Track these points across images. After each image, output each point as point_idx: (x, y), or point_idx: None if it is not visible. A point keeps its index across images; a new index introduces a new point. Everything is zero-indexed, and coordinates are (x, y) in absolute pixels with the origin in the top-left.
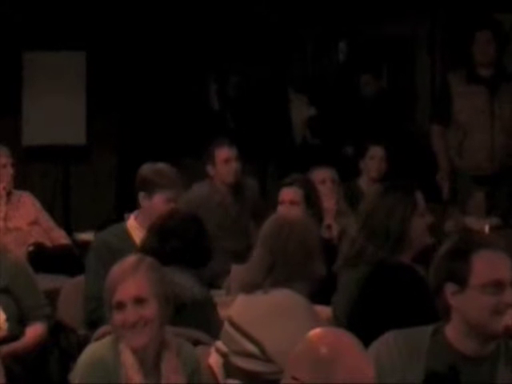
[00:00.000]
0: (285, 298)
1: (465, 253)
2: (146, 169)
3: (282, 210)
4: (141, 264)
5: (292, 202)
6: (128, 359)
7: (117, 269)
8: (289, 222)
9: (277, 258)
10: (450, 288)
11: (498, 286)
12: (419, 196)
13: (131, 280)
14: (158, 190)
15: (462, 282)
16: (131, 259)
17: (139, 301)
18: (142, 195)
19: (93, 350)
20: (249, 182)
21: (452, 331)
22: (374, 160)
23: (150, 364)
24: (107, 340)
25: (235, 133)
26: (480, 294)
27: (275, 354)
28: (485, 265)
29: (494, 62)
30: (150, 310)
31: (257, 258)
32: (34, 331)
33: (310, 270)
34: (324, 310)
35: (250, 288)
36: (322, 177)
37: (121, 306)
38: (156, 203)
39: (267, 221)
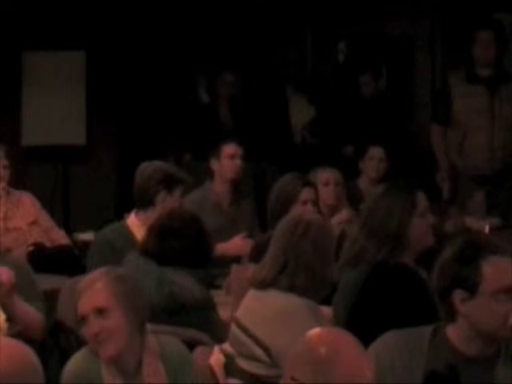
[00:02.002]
0: (292, 303)
1: (473, 259)
2: (159, 168)
3: (303, 209)
4: (104, 276)
5: (313, 202)
6: (107, 368)
7: (81, 282)
8: (305, 222)
9: (289, 257)
10: (458, 295)
11: (509, 292)
12: (421, 196)
13: (90, 291)
14: (178, 185)
15: (471, 289)
16: (97, 271)
17: (100, 312)
18: (162, 194)
19: (74, 363)
20: (246, 204)
21: (455, 333)
22: (374, 160)
23: (132, 370)
24: (88, 350)
25: (234, 133)
26: (491, 301)
27: (282, 358)
28: (495, 271)
29: (494, 62)
30: (113, 320)
31: (269, 256)
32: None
33: (322, 273)
34: (325, 311)
35: (260, 285)
36: (326, 178)
37: (84, 318)
38: (176, 199)
39: (283, 219)
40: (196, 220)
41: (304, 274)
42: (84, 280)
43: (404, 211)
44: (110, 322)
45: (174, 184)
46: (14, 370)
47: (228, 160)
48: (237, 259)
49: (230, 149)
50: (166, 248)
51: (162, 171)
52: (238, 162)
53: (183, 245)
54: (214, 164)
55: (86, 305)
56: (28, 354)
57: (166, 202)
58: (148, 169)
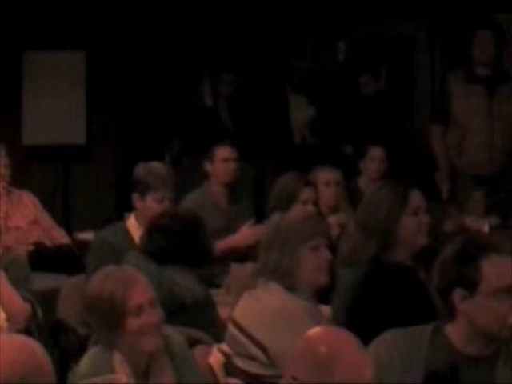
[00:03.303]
0: (290, 303)
1: (474, 258)
2: (139, 170)
3: (303, 209)
4: (136, 271)
5: (313, 202)
6: (121, 368)
7: (120, 276)
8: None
9: (281, 258)
10: (458, 293)
11: (509, 291)
12: (415, 194)
13: (143, 283)
14: (150, 191)
15: (471, 287)
16: (126, 268)
17: (154, 303)
18: (135, 196)
19: (86, 365)
20: (245, 203)
21: (455, 332)
22: (374, 160)
23: (143, 368)
24: (99, 350)
25: (234, 132)
26: (492, 300)
27: (279, 358)
28: (495, 270)
29: (493, 61)
30: (160, 311)
31: (262, 256)
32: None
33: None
34: (324, 310)
35: (256, 285)
36: (327, 179)
37: (140, 309)
38: (149, 204)
39: (273, 218)
40: (188, 218)
41: (295, 275)
42: (123, 274)
43: (393, 205)
44: (160, 313)
45: (143, 189)
46: (23, 368)
47: (222, 163)
48: (240, 258)
49: (223, 152)
50: (155, 246)
51: (134, 175)
52: (232, 165)
53: (174, 243)
54: (209, 167)
55: (143, 295)
56: (38, 352)
57: (139, 208)
58: (134, 171)
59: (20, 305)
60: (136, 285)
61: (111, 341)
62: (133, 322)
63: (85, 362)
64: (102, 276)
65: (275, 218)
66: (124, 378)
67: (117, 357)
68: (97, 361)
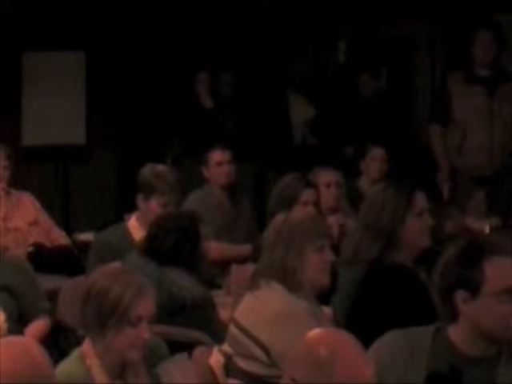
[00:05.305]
0: (291, 304)
1: (476, 259)
2: (147, 171)
3: (304, 210)
4: (147, 281)
5: (314, 203)
6: (99, 374)
7: (131, 282)
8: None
9: (277, 258)
10: (461, 295)
11: (511, 293)
12: (420, 196)
13: (151, 297)
14: (155, 195)
15: (474, 289)
16: (138, 275)
17: (151, 320)
18: (140, 197)
19: (60, 371)
20: (244, 204)
21: (457, 333)
22: (375, 161)
23: (119, 367)
24: (74, 356)
25: (234, 133)
26: (494, 302)
27: (281, 359)
28: (497, 272)
29: (493, 62)
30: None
31: (263, 257)
32: (37, 327)
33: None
34: (324, 311)
35: (258, 286)
36: (328, 180)
37: (138, 321)
38: (153, 207)
39: (275, 218)
40: (189, 219)
41: (298, 275)
42: (135, 280)
43: (398, 207)
44: (149, 330)
45: (149, 192)
46: (22, 378)
47: (216, 167)
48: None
49: (216, 156)
50: (156, 246)
51: (141, 176)
52: (226, 168)
53: (172, 243)
54: (205, 171)
55: (148, 308)
56: (38, 356)
57: (143, 209)
58: (140, 171)
59: (43, 330)
60: (145, 296)
61: (99, 334)
62: (128, 331)
63: (64, 365)
64: (113, 273)
65: (278, 218)
66: None
67: (95, 363)
68: (73, 370)
